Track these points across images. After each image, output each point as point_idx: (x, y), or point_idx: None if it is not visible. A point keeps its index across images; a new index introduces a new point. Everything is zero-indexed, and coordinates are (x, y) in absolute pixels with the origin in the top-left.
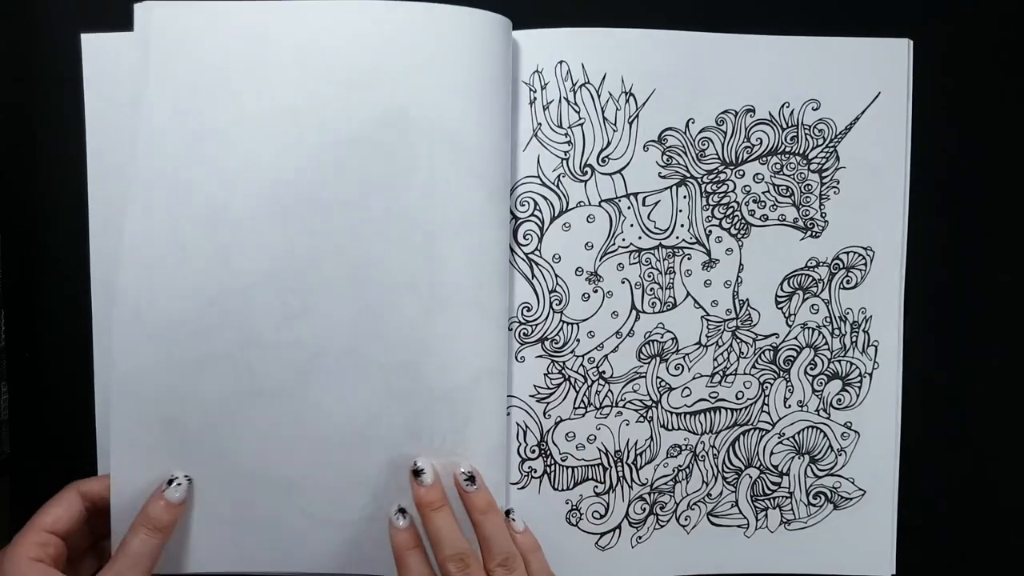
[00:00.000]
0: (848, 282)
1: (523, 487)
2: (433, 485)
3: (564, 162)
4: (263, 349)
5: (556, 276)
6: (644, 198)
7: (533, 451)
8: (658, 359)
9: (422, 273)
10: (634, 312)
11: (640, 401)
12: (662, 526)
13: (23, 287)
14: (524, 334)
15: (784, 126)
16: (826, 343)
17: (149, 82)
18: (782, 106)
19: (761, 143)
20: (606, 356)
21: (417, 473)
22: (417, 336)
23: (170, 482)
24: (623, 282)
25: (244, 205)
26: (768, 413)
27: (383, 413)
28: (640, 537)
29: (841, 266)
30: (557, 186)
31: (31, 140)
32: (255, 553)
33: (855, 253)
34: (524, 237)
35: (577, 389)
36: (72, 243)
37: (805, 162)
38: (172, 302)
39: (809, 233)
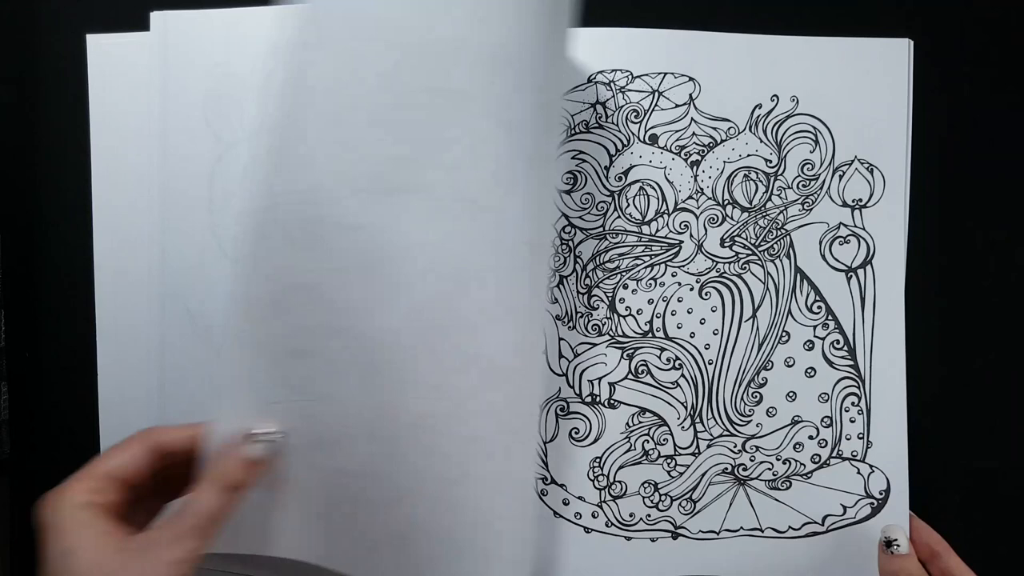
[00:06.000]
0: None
1: None
2: (909, 555)
3: None
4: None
5: None
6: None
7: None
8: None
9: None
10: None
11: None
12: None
13: (23, 287)
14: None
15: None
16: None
17: (172, 89)
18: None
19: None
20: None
21: (889, 543)
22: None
23: (256, 435)
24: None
25: (274, 210)
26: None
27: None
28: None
29: None
30: None
31: (35, 140)
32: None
33: None
34: None
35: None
36: (73, 243)
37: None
38: (218, 303)
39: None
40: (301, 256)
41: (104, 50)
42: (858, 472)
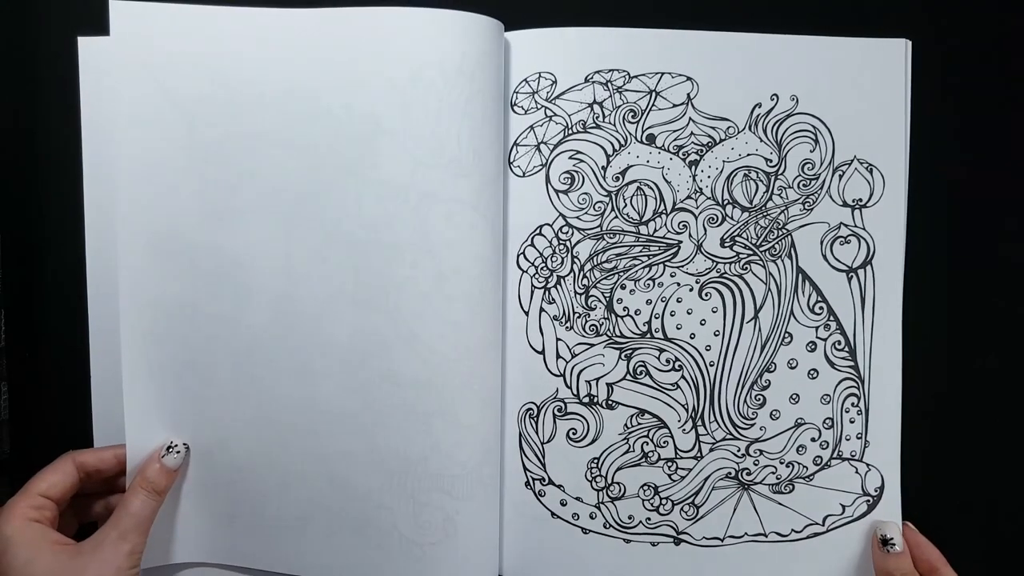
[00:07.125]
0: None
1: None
2: (904, 552)
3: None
4: (194, 365)
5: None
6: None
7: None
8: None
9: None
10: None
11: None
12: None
13: (23, 287)
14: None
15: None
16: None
17: (156, 86)
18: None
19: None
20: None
21: (885, 542)
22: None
23: (169, 448)
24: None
25: (246, 210)
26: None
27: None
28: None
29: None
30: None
31: (29, 142)
32: (247, 548)
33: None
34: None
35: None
36: (71, 244)
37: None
38: (165, 305)
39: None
40: (176, 281)
41: (96, 52)
42: (856, 471)
